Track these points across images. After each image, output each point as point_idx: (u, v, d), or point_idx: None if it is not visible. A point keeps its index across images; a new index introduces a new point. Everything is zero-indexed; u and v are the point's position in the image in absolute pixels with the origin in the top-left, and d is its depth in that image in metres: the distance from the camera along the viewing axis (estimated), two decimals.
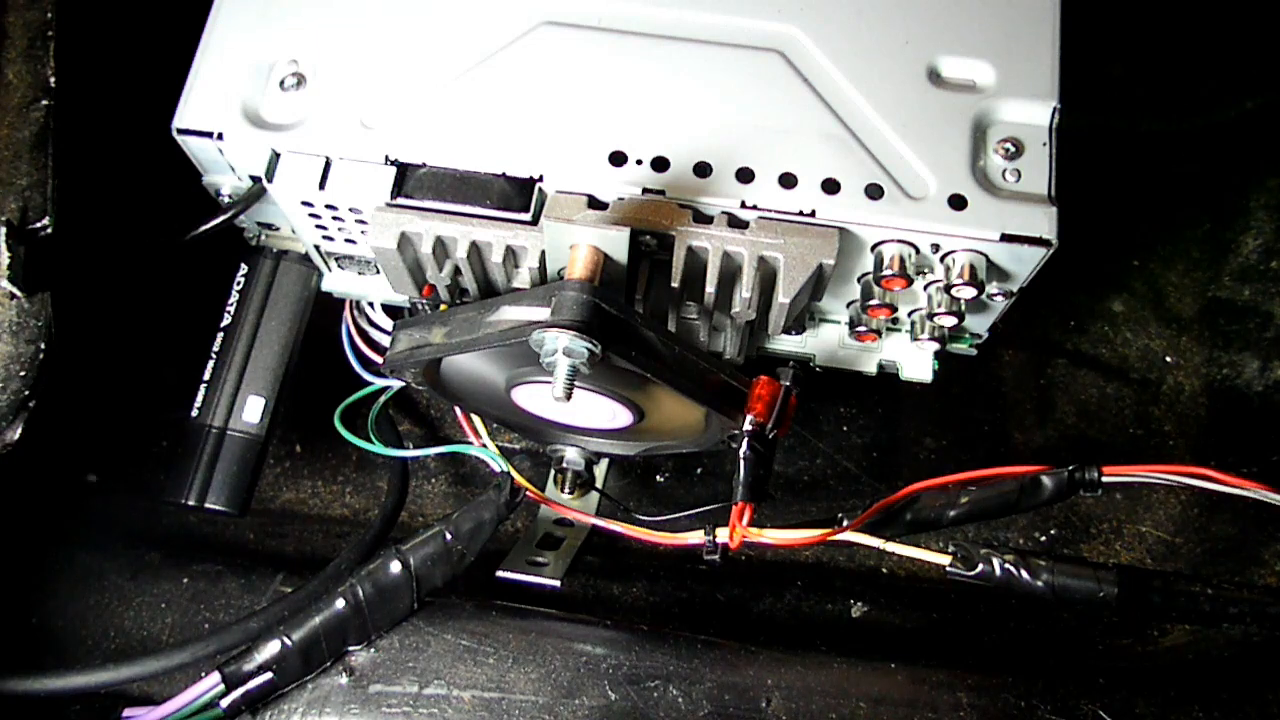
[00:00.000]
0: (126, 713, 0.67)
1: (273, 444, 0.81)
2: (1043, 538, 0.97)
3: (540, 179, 0.67)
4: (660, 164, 0.67)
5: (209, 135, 0.68)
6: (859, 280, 0.71)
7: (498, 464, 0.82)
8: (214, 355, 0.79)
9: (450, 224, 0.67)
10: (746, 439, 0.66)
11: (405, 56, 0.70)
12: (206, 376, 0.79)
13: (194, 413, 0.78)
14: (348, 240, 0.74)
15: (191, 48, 0.71)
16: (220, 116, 0.69)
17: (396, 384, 0.84)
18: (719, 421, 0.70)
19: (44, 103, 0.71)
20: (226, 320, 0.80)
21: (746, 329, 0.73)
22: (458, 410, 0.83)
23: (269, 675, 0.66)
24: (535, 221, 0.67)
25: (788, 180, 0.66)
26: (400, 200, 0.67)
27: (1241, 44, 1.14)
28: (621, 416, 0.74)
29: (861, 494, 0.99)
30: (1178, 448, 1.00)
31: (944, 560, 0.67)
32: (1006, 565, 0.66)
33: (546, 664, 0.70)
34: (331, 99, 0.69)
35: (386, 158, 0.68)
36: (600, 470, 0.91)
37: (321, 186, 0.68)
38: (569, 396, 0.62)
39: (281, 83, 0.70)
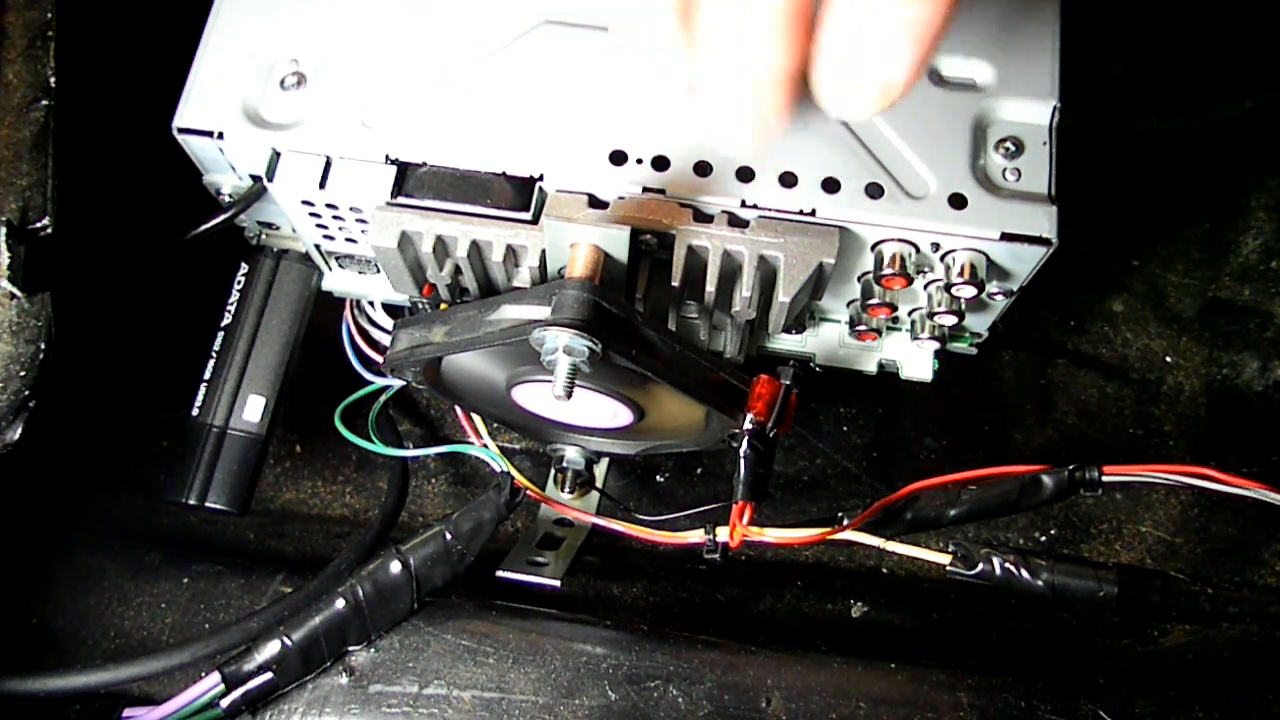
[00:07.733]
0: (126, 713, 0.67)
1: (273, 444, 0.81)
2: (1043, 538, 0.97)
3: (540, 178, 0.67)
4: (660, 163, 0.67)
5: (209, 135, 0.68)
6: (859, 279, 0.71)
7: (498, 464, 0.82)
8: (214, 355, 0.79)
9: (451, 223, 0.66)
10: (747, 438, 0.66)
11: (405, 56, 0.70)
12: (207, 376, 0.79)
13: (194, 412, 0.78)
14: (348, 239, 0.74)
15: (191, 48, 0.71)
16: (221, 116, 0.69)
17: (397, 383, 0.84)
18: (719, 420, 0.70)
19: (44, 103, 0.71)
20: (227, 319, 0.80)
21: (747, 328, 0.73)
22: (458, 410, 0.83)
23: (269, 675, 0.66)
24: (536, 220, 0.67)
25: (788, 179, 0.66)
26: (401, 199, 0.67)
27: (1241, 44, 1.13)
28: (622, 415, 0.74)
29: (861, 494, 0.99)
30: (1178, 448, 1.00)
31: (944, 560, 0.66)
32: (1006, 565, 0.66)
33: (546, 664, 0.69)
34: (332, 98, 0.69)
35: (387, 157, 0.68)
36: (600, 470, 0.91)
37: (322, 186, 0.68)
38: (569, 395, 0.63)
39: (282, 82, 0.70)
